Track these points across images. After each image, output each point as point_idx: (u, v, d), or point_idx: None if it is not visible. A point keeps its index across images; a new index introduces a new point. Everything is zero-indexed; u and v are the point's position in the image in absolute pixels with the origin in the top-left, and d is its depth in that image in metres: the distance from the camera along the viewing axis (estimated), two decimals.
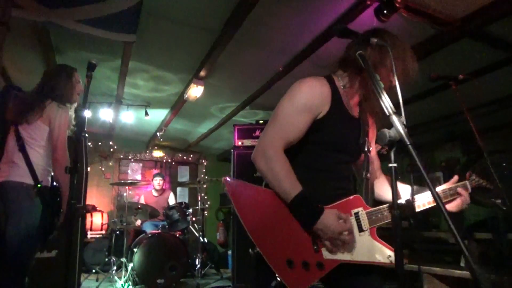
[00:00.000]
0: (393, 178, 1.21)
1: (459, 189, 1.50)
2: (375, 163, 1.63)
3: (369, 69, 1.25)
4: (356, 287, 1.38)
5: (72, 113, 2.67)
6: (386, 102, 1.21)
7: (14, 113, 2.60)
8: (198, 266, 5.05)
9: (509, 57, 3.38)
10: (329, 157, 1.43)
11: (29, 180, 2.42)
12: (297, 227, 1.29)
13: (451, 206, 1.51)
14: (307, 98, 1.37)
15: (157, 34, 3.69)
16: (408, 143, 1.14)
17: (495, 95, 4.28)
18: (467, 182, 1.55)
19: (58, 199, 2.53)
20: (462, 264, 3.58)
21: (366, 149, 1.50)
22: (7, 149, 2.55)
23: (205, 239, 6.03)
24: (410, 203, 1.45)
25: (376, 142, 1.45)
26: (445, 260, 4.30)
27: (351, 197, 1.38)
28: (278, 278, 1.22)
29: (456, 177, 1.55)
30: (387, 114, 1.19)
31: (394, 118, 1.17)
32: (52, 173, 2.60)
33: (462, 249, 0.95)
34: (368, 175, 1.46)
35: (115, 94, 5.25)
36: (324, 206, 1.32)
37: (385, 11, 2.55)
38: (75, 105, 2.74)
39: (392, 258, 1.31)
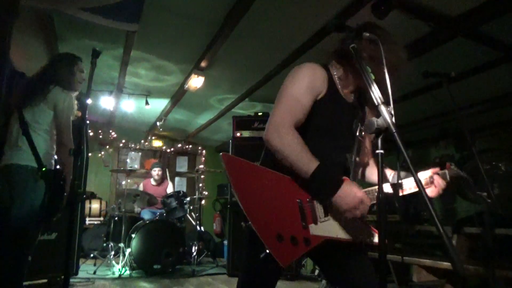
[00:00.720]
0: (380, 163, 1.29)
1: (437, 177, 1.59)
2: (368, 149, 1.70)
3: (360, 61, 1.33)
4: (346, 265, 1.45)
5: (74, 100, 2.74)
6: (375, 92, 1.29)
7: (17, 97, 2.66)
8: (194, 253, 5.15)
9: (502, 57, 3.46)
10: (323, 143, 1.49)
11: (34, 164, 2.47)
12: (288, 204, 1.36)
13: (430, 192, 1.60)
14: (309, 78, 1.45)
15: (159, 24, 3.76)
16: (394, 131, 1.22)
17: (489, 94, 4.36)
18: (446, 172, 1.65)
19: (61, 182, 2.60)
20: None
21: (358, 133, 1.56)
22: (11, 133, 2.61)
23: (202, 228, 6.13)
24: (395, 186, 1.53)
25: (364, 131, 1.52)
26: (435, 254, 4.40)
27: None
28: (267, 251, 1.29)
29: (437, 169, 1.63)
30: (376, 104, 1.28)
31: (382, 108, 1.26)
32: (56, 157, 2.66)
33: (440, 231, 1.04)
34: (357, 159, 1.54)
35: (116, 82, 5.32)
36: None
37: (382, 8, 2.62)
38: (76, 93, 2.79)
39: (374, 239, 1.40)
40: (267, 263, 1.32)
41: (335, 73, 1.56)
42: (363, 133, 1.57)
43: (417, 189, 1.52)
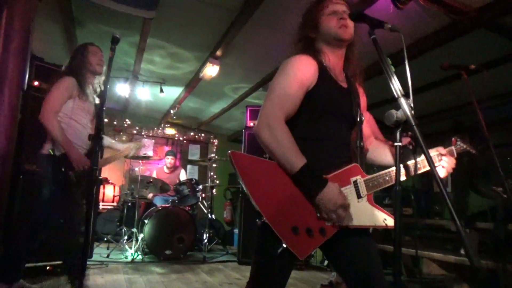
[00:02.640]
0: (398, 156, 1.30)
1: (446, 155, 1.58)
2: (370, 129, 1.72)
3: (380, 52, 1.33)
4: (351, 248, 1.44)
5: (97, 84, 2.86)
6: (395, 85, 1.29)
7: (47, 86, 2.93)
8: (205, 241, 5.23)
9: None
10: (325, 125, 1.50)
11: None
12: (301, 196, 1.36)
13: (439, 172, 1.58)
14: (298, 70, 1.46)
15: (176, 11, 3.75)
16: (414, 123, 1.23)
17: (506, 88, 4.29)
18: (453, 148, 1.64)
19: (62, 168, 2.69)
20: (462, 252, 3.66)
21: (358, 119, 1.56)
22: None
23: (213, 216, 6.19)
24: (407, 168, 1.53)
25: (384, 122, 1.52)
26: (445, 248, 4.38)
27: (350, 166, 1.45)
28: (284, 245, 1.30)
29: (441, 148, 1.61)
30: (396, 96, 1.28)
31: (402, 100, 1.26)
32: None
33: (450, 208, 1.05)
34: (362, 143, 1.53)
35: (132, 69, 5.36)
36: (324, 176, 1.39)
37: None
38: (101, 77, 2.92)
39: (387, 221, 1.40)
40: (281, 258, 1.33)
41: (324, 60, 1.56)
42: (363, 117, 1.57)
43: (427, 168, 1.51)
